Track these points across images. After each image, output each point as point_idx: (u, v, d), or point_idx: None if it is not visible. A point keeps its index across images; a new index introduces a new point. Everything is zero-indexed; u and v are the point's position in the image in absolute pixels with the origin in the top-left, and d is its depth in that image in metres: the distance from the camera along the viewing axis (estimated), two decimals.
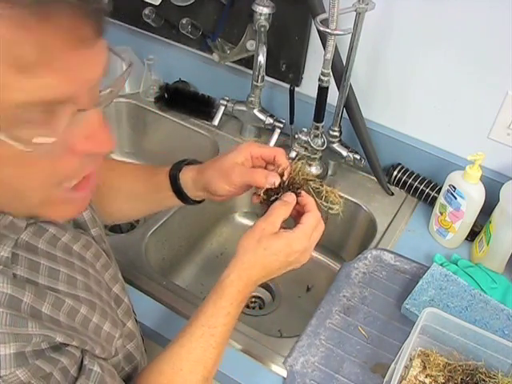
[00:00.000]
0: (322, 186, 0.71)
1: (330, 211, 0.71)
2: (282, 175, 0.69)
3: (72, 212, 0.53)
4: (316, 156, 1.12)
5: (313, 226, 0.67)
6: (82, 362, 0.51)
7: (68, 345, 0.49)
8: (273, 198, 0.68)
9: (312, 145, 1.09)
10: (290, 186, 0.69)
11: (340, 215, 0.72)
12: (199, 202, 0.80)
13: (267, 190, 0.68)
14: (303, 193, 0.69)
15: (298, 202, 0.68)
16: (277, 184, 0.68)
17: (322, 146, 1.09)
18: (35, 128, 0.40)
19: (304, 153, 1.12)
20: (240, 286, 0.65)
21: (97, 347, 0.53)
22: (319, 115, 1.04)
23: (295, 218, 0.69)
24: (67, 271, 0.54)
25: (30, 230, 0.52)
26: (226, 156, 0.72)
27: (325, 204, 0.71)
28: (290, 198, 0.67)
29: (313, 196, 0.70)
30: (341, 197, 0.72)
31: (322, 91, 1.00)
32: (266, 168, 0.72)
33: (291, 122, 1.13)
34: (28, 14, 0.36)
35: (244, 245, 0.66)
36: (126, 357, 0.65)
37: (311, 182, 0.71)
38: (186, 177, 0.76)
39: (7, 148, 0.40)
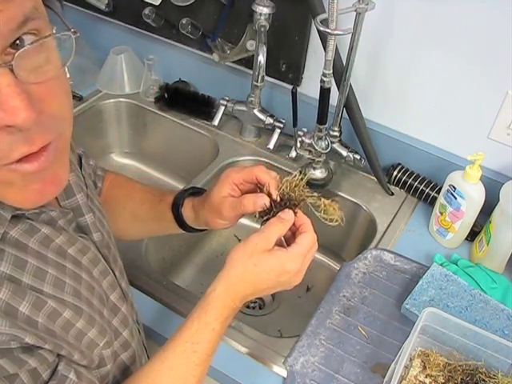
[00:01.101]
0: (319, 199, 0.68)
1: (330, 223, 0.69)
2: (269, 194, 0.66)
3: (34, 194, 0.47)
4: (320, 159, 1.11)
5: (308, 247, 0.65)
6: (56, 367, 0.50)
7: (41, 348, 0.48)
8: (266, 217, 0.66)
9: (316, 148, 1.08)
10: (287, 202, 0.66)
11: (341, 224, 0.69)
12: (202, 230, 0.80)
13: (261, 211, 0.67)
14: (299, 213, 0.66)
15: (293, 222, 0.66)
16: (268, 205, 0.66)
17: (326, 149, 1.08)
18: None
19: (308, 156, 1.11)
20: (226, 301, 0.62)
21: (75, 353, 0.52)
22: (323, 117, 1.03)
23: (288, 239, 0.67)
24: (56, 273, 0.53)
25: (20, 228, 0.51)
26: (212, 192, 0.71)
27: (324, 217, 0.68)
28: (287, 215, 0.65)
29: (312, 210, 0.68)
30: (340, 209, 0.70)
31: (325, 92, 0.99)
32: (257, 187, 0.69)
33: (294, 124, 1.12)
34: None
35: (234, 258, 0.63)
36: (118, 366, 0.64)
37: (309, 198, 0.67)
38: (187, 212, 0.76)
39: None
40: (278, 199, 0.66)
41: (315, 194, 0.68)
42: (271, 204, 0.66)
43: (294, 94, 1.04)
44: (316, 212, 0.68)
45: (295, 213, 0.66)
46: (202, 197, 0.74)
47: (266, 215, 0.66)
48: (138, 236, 0.94)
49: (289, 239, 0.67)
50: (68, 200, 0.60)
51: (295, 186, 0.66)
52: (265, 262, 0.62)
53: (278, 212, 0.65)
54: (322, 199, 0.68)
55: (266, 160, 1.23)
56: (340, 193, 1.15)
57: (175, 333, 0.63)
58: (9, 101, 0.39)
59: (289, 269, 0.63)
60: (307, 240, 0.64)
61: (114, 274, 0.66)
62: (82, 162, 0.71)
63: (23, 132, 0.41)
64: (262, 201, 0.65)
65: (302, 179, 0.67)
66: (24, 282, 0.49)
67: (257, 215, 0.67)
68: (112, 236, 0.70)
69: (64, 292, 0.53)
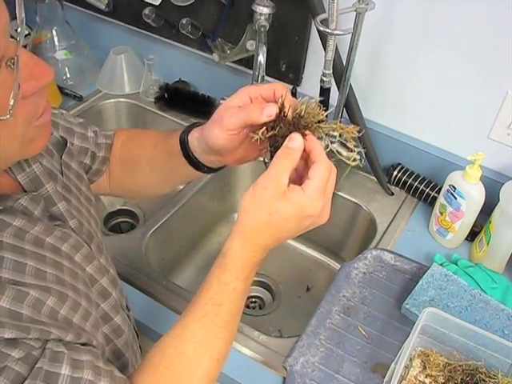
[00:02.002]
0: (335, 124, 0.58)
1: (347, 161, 0.59)
2: (281, 108, 0.57)
3: (46, 138, 0.55)
4: None
5: (325, 178, 0.55)
6: (45, 348, 0.49)
7: (25, 338, 0.48)
8: (269, 133, 0.57)
9: None
10: (295, 125, 0.56)
11: (359, 164, 0.59)
12: (215, 170, 0.71)
13: (266, 128, 0.57)
14: (309, 136, 0.56)
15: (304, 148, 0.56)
16: (273, 114, 0.56)
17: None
18: (6, 96, 0.44)
19: None
20: (245, 258, 0.57)
21: (67, 335, 0.51)
22: None
23: (300, 169, 0.59)
24: (35, 264, 0.52)
25: None
26: (223, 103, 0.63)
27: (354, 149, 0.58)
28: (294, 142, 0.55)
29: (326, 142, 0.58)
30: (356, 146, 0.59)
31: (324, 92, 1.00)
32: None
33: None
34: None
35: (245, 208, 0.56)
36: (113, 352, 0.63)
37: (322, 124, 0.57)
38: (193, 139, 0.68)
39: None
40: (290, 115, 0.57)
41: (331, 121, 0.58)
42: (280, 118, 0.56)
43: (293, 94, 1.04)
44: (332, 145, 0.58)
45: (304, 135, 0.56)
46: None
47: (270, 130, 0.57)
48: (161, 187, 0.85)
49: (302, 169, 0.58)
50: (38, 191, 0.59)
51: (310, 112, 0.57)
52: (280, 210, 0.54)
53: (285, 132, 0.56)
54: (339, 123, 0.58)
55: (266, 160, 1.22)
56: (340, 193, 1.15)
57: (194, 296, 0.59)
58: (37, 69, 0.48)
59: (310, 212, 0.55)
60: (321, 170, 0.55)
61: (99, 260, 0.65)
62: (68, 145, 0.69)
63: (42, 89, 0.49)
64: (270, 108, 0.57)
65: (320, 107, 0.57)
66: (3, 278, 0.48)
67: (259, 134, 0.58)
68: (95, 225, 0.69)
69: (47, 281, 0.52)
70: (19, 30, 0.45)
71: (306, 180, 0.55)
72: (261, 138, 0.58)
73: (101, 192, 0.83)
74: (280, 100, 0.57)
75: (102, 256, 0.67)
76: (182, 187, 1.17)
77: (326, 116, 0.58)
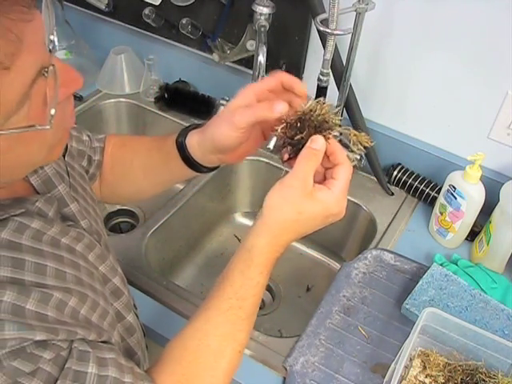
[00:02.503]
0: (348, 129, 0.60)
1: (354, 162, 0.61)
2: (306, 112, 0.57)
3: (65, 142, 0.57)
4: None
5: (348, 180, 0.58)
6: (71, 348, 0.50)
7: (54, 339, 0.48)
8: (298, 137, 0.57)
9: None
10: (316, 127, 0.58)
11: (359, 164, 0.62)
12: (212, 169, 0.73)
13: (286, 126, 0.58)
14: (332, 139, 0.58)
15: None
16: (284, 111, 0.57)
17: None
18: (39, 104, 0.44)
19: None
20: (270, 254, 0.59)
21: (90, 334, 0.52)
22: None
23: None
24: (55, 265, 0.53)
25: (10, 228, 0.51)
26: (228, 104, 0.64)
27: (356, 152, 0.60)
28: (317, 143, 0.57)
29: (343, 144, 0.60)
30: (365, 147, 0.61)
31: (321, 91, 1.00)
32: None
33: None
34: None
35: (272, 206, 0.58)
36: (126, 350, 0.64)
37: (339, 127, 0.59)
38: (192, 141, 0.69)
39: (19, 134, 0.43)
40: (307, 110, 0.57)
41: (346, 126, 0.60)
42: (303, 119, 0.57)
43: None
44: (346, 146, 0.60)
45: (327, 138, 0.57)
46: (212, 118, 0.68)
47: (293, 132, 0.58)
48: (153, 190, 0.85)
49: (318, 170, 0.60)
50: (50, 193, 0.60)
51: (325, 114, 0.58)
52: (309, 210, 0.57)
53: (306, 134, 0.57)
54: (351, 129, 0.60)
55: (266, 160, 1.23)
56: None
57: (216, 290, 0.60)
58: (69, 76, 0.48)
59: (336, 210, 0.58)
60: (346, 173, 0.58)
61: (109, 259, 0.65)
62: (68, 147, 0.70)
63: (70, 95, 0.50)
64: (280, 106, 0.58)
65: (330, 106, 0.58)
66: (27, 281, 0.49)
67: (278, 131, 0.58)
68: (101, 224, 0.70)
69: (67, 281, 0.53)
70: (51, 38, 0.45)
71: (331, 180, 0.58)
72: (280, 135, 0.59)
73: None
74: (303, 105, 0.58)
75: (110, 255, 0.67)
76: (182, 187, 1.17)
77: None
